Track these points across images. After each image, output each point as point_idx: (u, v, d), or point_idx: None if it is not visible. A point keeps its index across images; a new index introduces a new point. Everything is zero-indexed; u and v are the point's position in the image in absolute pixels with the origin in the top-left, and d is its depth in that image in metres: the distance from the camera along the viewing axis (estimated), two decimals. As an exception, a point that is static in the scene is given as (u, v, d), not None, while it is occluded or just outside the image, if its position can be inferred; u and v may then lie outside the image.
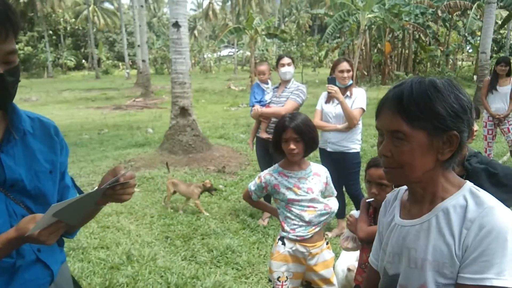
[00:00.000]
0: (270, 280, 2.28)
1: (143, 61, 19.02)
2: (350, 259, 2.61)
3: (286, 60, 4.18)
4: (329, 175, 2.28)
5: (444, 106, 0.94)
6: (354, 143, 3.79)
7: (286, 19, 53.31)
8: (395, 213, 1.15)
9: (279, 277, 2.17)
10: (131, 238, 3.97)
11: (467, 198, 0.97)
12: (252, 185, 2.30)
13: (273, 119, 4.11)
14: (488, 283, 0.88)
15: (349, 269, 2.52)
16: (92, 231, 4.09)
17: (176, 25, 6.76)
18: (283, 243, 2.19)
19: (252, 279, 3.23)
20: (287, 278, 2.18)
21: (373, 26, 23.00)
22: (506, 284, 0.87)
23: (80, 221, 1.22)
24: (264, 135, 4.18)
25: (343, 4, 20.76)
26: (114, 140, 8.88)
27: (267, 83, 4.38)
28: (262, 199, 2.51)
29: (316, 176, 2.20)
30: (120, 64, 45.96)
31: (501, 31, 23.74)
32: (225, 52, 50.77)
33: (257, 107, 4.18)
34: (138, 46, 19.46)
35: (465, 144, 0.99)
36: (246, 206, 4.63)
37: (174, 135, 6.96)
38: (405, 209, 1.13)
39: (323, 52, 29.96)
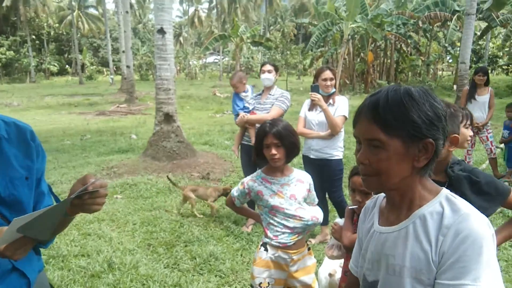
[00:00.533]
0: (252, 286, 2.27)
1: (128, 67, 18.87)
2: (332, 265, 2.62)
3: (267, 67, 4.23)
4: (312, 183, 2.29)
5: (419, 115, 0.95)
6: (337, 150, 3.83)
7: (271, 27, 53.71)
8: (374, 220, 1.16)
9: (260, 283, 2.17)
10: (112, 245, 3.91)
11: (443, 205, 0.99)
12: (235, 191, 2.30)
13: (259, 126, 4.13)
14: None
15: (330, 274, 2.53)
16: (72, 239, 4.01)
17: (161, 31, 6.75)
18: (266, 249, 2.19)
19: (236, 287, 3.21)
20: (268, 284, 2.17)
21: (356, 35, 23.36)
22: None
23: (50, 234, 1.16)
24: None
25: (327, 13, 21.05)
26: (97, 146, 8.76)
27: (245, 91, 4.42)
28: (245, 205, 2.51)
29: (299, 183, 2.22)
30: (105, 69, 45.53)
31: (480, 42, 24.40)
32: (210, 59, 50.78)
33: (242, 114, 4.20)
34: (123, 52, 19.32)
35: (441, 151, 1.01)
36: (230, 212, 4.62)
37: (158, 141, 6.91)
38: (384, 216, 1.14)
39: (307, 61, 30.28)
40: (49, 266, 3.46)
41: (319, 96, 3.65)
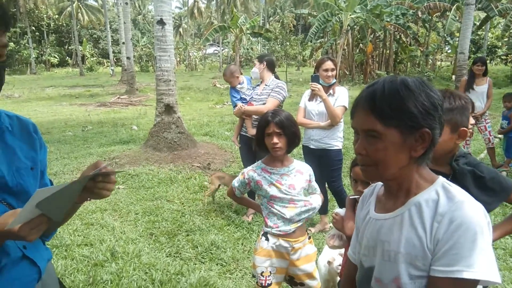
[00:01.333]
0: (254, 276, 2.31)
1: (128, 58, 18.81)
2: (331, 254, 2.67)
3: (256, 61, 4.33)
4: (312, 173, 2.33)
5: (416, 105, 0.97)
6: (336, 141, 3.87)
7: (271, 18, 53.35)
8: (371, 208, 1.19)
9: (262, 272, 2.21)
10: (115, 235, 3.97)
11: (439, 193, 1.01)
12: (235, 182, 2.34)
13: (255, 117, 4.18)
14: (458, 276, 0.91)
15: (329, 262, 2.58)
16: (75, 228, 4.08)
17: (161, 22, 6.74)
18: (267, 239, 2.23)
19: (237, 275, 3.28)
20: (270, 273, 2.22)
21: (355, 26, 23.24)
22: (476, 276, 0.90)
23: (62, 215, 1.16)
24: (252, 132, 4.22)
25: (327, 4, 20.92)
26: (98, 137, 8.80)
27: (240, 83, 4.49)
28: (246, 195, 2.55)
29: (298, 174, 2.26)
30: (105, 61, 45.34)
31: (479, 32, 24.31)
32: (210, 50, 50.54)
33: (240, 105, 4.23)
34: (123, 43, 19.23)
35: (438, 140, 1.03)
36: (231, 202, 4.68)
37: (159, 132, 6.95)
38: (380, 203, 1.16)
39: (307, 52, 30.14)
40: (52, 255, 3.52)
41: (319, 86, 3.68)
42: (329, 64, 3.76)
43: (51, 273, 1.44)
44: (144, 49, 41.03)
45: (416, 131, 0.99)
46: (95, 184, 1.12)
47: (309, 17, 26.43)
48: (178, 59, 42.69)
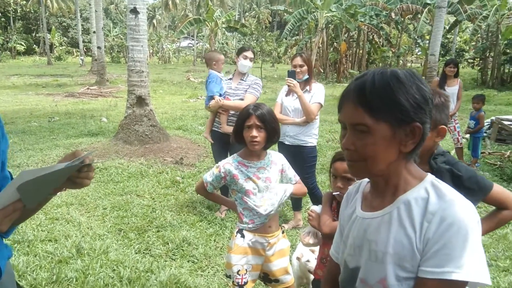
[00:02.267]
0: (228, 276, 2.23)
1: (99, 48, 18.25)
2: (302, 250, 2.64)
3: (250, 54, 4.17)
4: (285, 162, 2.27)
5: (407, 98, 0.93)
6: (311, 137, 3.85)
7: (247, 13, 53.16)
8: (357, 205, 1.15)
9: (238, 270, 2.14)
10: (81, 230, 3.81)
11: (428, 191, 0.97)
12: (208, 176, 2.24)
13: (232, 113, 4.10)
14: (447, 277, 0.87)
15: (297, 258, 2.55)
16: (39, 223, 3.88)
17: (134, 11, 6.53)
18: (242, 236, 2.17)
19: (209, 272, 3.21)
20: (246, 271, 2.16)
21: (330, 25, 23.48)
22: (466, 278, 0.86)
23: (35, 205, 1.12)
24: (227, 129, 4.13)
25: (303, 1, 21.01)
26: (66, 129, 8.47)
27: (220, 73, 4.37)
28: (217, 192, 2.46)
29: (273, 165, 2.21)
30: (74, 50, 43.91)
31: (448, 36, 25.03)
32: (184, 43, 49.86)
33: (218, 98, 4.12)
34: (94, 32, 18.64)
35: (427, 135, 0.99)
36: (204, 198, 4.57)
37: (130, 124, 6.75)
38: (367, 201, 1.12)
39: (282, 48, 30.22)
40: (13, 252, 3.33)
41: (295, 82, 3.64)
42: (297, 60, 3.73)
43: (10, 273, 1.34)
44: (116, 40, 39.99)
45: (406, 125, 0.95)
46: (78, 173, 1.08)
47: (285, 14, 26.48)
48: (151, 51, 41.92)
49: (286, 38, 25.69)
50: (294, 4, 22.12)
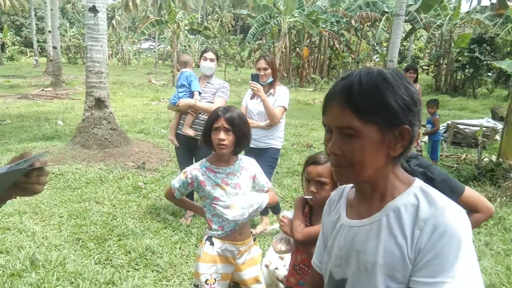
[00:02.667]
0: (196, 286, 2.12)
1: (54, 48, 17.43)
2: (271, 257, 2.57)
3: (210, 54, 4.04)
4: (258, 169, 2.20)
5: (395, 99, 0.88)
6: (276, 140, 3.81)
7: (209, 16, 52.88)
8: (341, 213, 1.09)
9: (207, 279, 2.04)
10: (36, 241, 3.56)
11: (418, 196, 0.92)
12: (175, 182, 2.15)
13: (201, 117, 3.99)
14: (440, 287, 0.83)
15: (266, 266, 2.49)
16: (-13, 234, 3.60)
17: (93, 9, 6.26)
18: (211, 243, 2.08)
19: (174, 281, 3.07)
20: (215, 280, 2.06)
21: (293, 30, 23.79)
22: None
23: None
24: (190, 132, 4.01)
25: (266, 6, 21.16)
26: (18, 132, 7.99)
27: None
28: (186, 198, 2.36)
29: (244, 171, 2.13)
30: (28, 50, 41.83)
31: (404, 43, 26.03)
32: (145, 45, 48.87)
33: (197, 96, 3.99)
34: (49, 32, 17.79)
35: (416, 138, 0.96)
36: (168, 204, 4.43)
37: (88, 128, 6.45)
38: (353, 208, 1.06)
39: (245, 52, 30.30)
40: (-42, 266, 3.06)
41: (258, 86, 3.59)
42: (261, 63, 3.70)
43: None
44: (73, 40, 38.52)
45: (395, 128, 0.90)
46: (26, 178, 0.94)
47: (248, 18, 26.56)
48: (111, 52, 40.75)
49: (249, 42, 25.77)
50: (257, 8, 22.23)
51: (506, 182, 5.20)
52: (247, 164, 2.16)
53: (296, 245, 1.93)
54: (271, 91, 3.74)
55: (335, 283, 1.05)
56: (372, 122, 0.89)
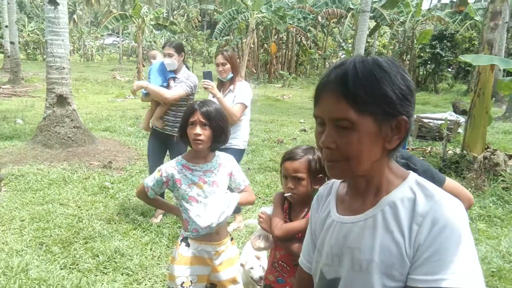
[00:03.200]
0: None
1: (12, 43, 16.58)
2: (247, 256, 2.52)
3: (166, 49, 3.86)
4: (235, 165, 2.13)
5: (393, 88, 0.84)
6: (237, 140, 3.65)
7: (175, 12, 52.01)
8: (331, 209, 1.03)
9: (183, 282, 1.95)
10: (-6, 247, 3.34)
11: (414, 190, 0.88)
12: (149, 181, 2.04)
13: (172, 113, 3.87)
14: (441, 285, 0.79)
15: (242, 265, 2.43)
16: None
17: (53, 2, 5.96)
18: (187, 244, 1.99)
19: (146, 284, 2.96)
20: (191, 283, 1.97)
21: (260, 26, 23.78)
22: (460, 285, 0.79)
23: None
24: (157, 123, 3.87)
25: (233, 1, 21.01)
26: (-28, 132, 7.52)
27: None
28: (160, 197, 2.25)
29: (222, 168, 2.05)
30: (-18, 46, 39.61)
31: (369, 40, 26.64)
32: (109, 40, 47.48)
33: (142, 81, 3.87)
34: (6, 26, 16.87)
35: (412, 130, 0.92)
36: (137, 204, 4.28)
37: (50, 126, 6.15)
38: (344, 204, 1.01)
39: (213, 48, 30.03)
40: None
41: (212, 83, 3.44)
42: (219, 58, 3.58)
43: None
44: (31, 35, 36.86)
45: (392, 119, 0.85)
46: None
47: (215, 14, 26.32)
48: (72, 48, 39.32)
49: (216, 38, 25.54)
50: (224, 4, 22.03)
51: (471, 173, 5.38)
52: (224, 161, 2.08)
53: (275, 241, 1.88)
54: (231, 87, 3.59)
55: (327, 283, 1.00)
56: (369, 113, 0.84)
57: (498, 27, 5.86)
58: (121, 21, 20.80)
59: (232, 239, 2.16)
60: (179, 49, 3.89)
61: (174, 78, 3.91)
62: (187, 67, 4.06)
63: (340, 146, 0.87)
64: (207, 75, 3.46)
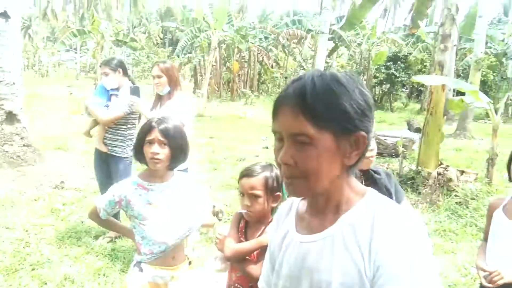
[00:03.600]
0: None
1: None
2: (205, 279, 2.43)
3: (102, 69, 3.75)
4: (194, 185, 2.06)
5: (351, 103, 0.82)
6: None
7: (136, 28, 51.44)
8: (290, 227, 0.99)
9: None
10: None
11: (373, 208, 0.86)
12: (101, 201, 1.92)
13: (110, 132, 3.74)
14: None
15: None
16: None
17: (5, 15, 5.70)
18: (141, 270, 1.87)
19: (97, 312, 2.78)
20: None
21: (222, 45, 23.97)
22: None
23: None
24: (102, 148, 3.74)
25: (195, 20, 21.09)
26: None
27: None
28: (113, 218, 2.13)
29: (179, 188, 1.96)
30: None
31: (328, 60, 27.49)
32: (66, 56, 46.05)
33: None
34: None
35: (370, 146, 0.91)
36: (91, 226, 4.06)
37: (-4, 145, 5.78)
38: (304, 222, 0.97)
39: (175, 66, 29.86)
40: None
41: (136, 100, 3.35)
42: (154, 71, 3.41)
43: None
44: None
45: (351, 134, 0.84)
46: None
47: (177, 31, 26.29)
48: (27, 63, 37.80)
49: (178, 56, 25.43)
50: (186, 21, 22.06)
51: (426, 189, 5.56)
52: (183, 181, 1.99)
53: (231, 263, 1.82)
54: (168, 102, 3.37)
55: None
56: (327, 129, 0.82)
57: (448, 49, 6.19)
58: (79, 36, 20.30)
59: (190, 263, 2.06)
60: (116, 66, 3.71)
61: (116, 95, 3.77)
62: (133, 82, 3.90)
63: (299, 162, 0.84)
64: (134, 91, 3.37)
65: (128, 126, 3.78)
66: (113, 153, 3.70)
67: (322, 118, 0.82)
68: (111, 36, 21.15)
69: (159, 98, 3.48)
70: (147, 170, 1.93)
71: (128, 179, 1.95)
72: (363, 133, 0.85)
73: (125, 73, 3.80)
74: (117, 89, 3.77)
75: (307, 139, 0.83)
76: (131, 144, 3.59)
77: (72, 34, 19.81)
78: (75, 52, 41.23)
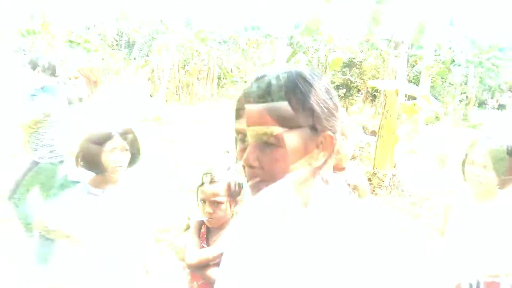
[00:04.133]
0: None
1: None
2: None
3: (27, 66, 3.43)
4: (148, 185, 1.97)
5: (318, 102, 0.80)
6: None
7: (90, 29, 49.74)
8: None
9: None
10: None
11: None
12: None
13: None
14: None
15: None
16: None
17: None
18: None
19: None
20: None
21: (181, 48, 23.72)
22: None
23: None
24: None
25: (152, 22, 20.73)
26: None
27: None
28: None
29: (132, 189, 1.87)
30: None
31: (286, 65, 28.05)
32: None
33: None
34: None
35: (337, 147, 0.88)
36: None
37: None
38: None
39: (130, 68, 29.15)
40: None
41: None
42: (71, 72, 3.06)
43: None
44: None
45: (318, 134, 0.81)
46: None
47: (133, 33, 25.71)
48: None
49: (135, 58, 24.84)
50: (143, 24, 21.60)
51: (382, 190, 5.74)
52: (135, 181, 1.91)
53: (192, 271, 1.77)
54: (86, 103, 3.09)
55: None
56: (293, 128, 0.79)
57: (400, 56, 6.45)
58: (28, 37, 19.32)
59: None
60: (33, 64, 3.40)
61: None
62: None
63: (264, 163, 0.80)
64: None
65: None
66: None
67: (288, 117, 0.79)
68: (62, 36, 20.30)
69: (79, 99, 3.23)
70: (99, 176, 1.81)
71: (77, 187, 1.82)
72: (330, 133, 0.82)
73: (47, 72, 3.43)
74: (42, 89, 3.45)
75: (273, 139, 0.79)
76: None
77: (20, 34, 18.81)
78: (25, 54, 39.26)
